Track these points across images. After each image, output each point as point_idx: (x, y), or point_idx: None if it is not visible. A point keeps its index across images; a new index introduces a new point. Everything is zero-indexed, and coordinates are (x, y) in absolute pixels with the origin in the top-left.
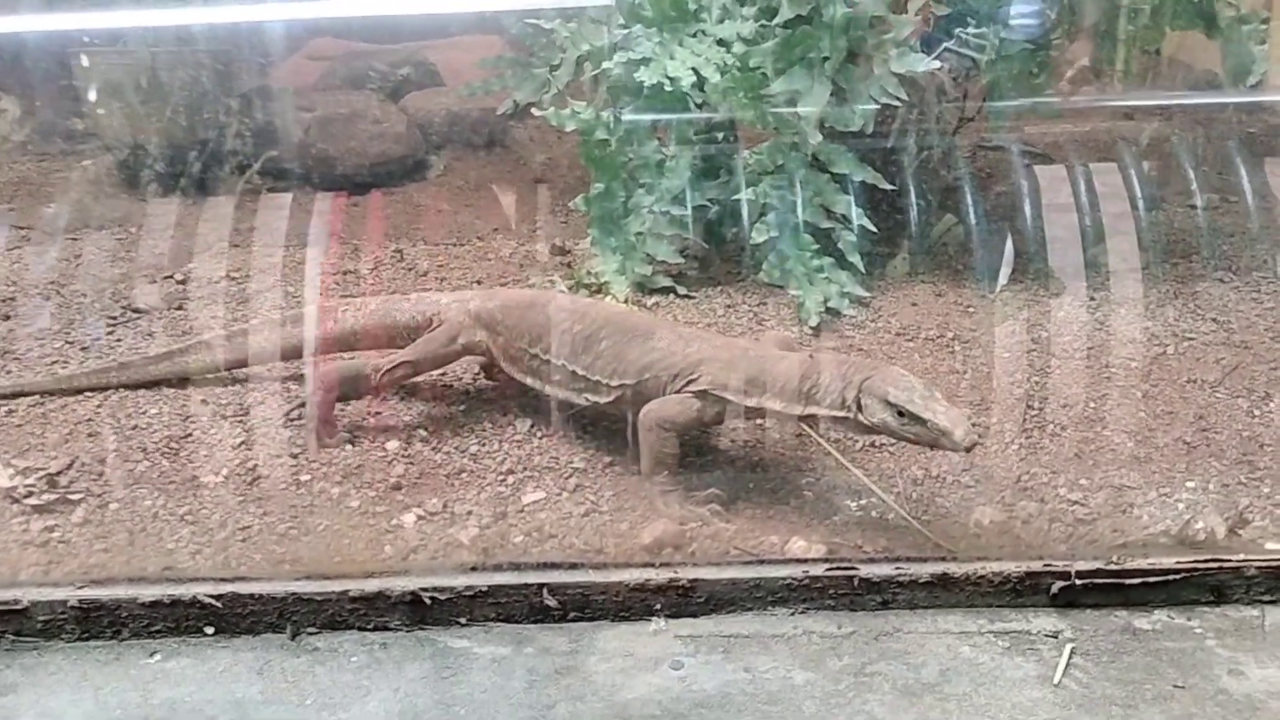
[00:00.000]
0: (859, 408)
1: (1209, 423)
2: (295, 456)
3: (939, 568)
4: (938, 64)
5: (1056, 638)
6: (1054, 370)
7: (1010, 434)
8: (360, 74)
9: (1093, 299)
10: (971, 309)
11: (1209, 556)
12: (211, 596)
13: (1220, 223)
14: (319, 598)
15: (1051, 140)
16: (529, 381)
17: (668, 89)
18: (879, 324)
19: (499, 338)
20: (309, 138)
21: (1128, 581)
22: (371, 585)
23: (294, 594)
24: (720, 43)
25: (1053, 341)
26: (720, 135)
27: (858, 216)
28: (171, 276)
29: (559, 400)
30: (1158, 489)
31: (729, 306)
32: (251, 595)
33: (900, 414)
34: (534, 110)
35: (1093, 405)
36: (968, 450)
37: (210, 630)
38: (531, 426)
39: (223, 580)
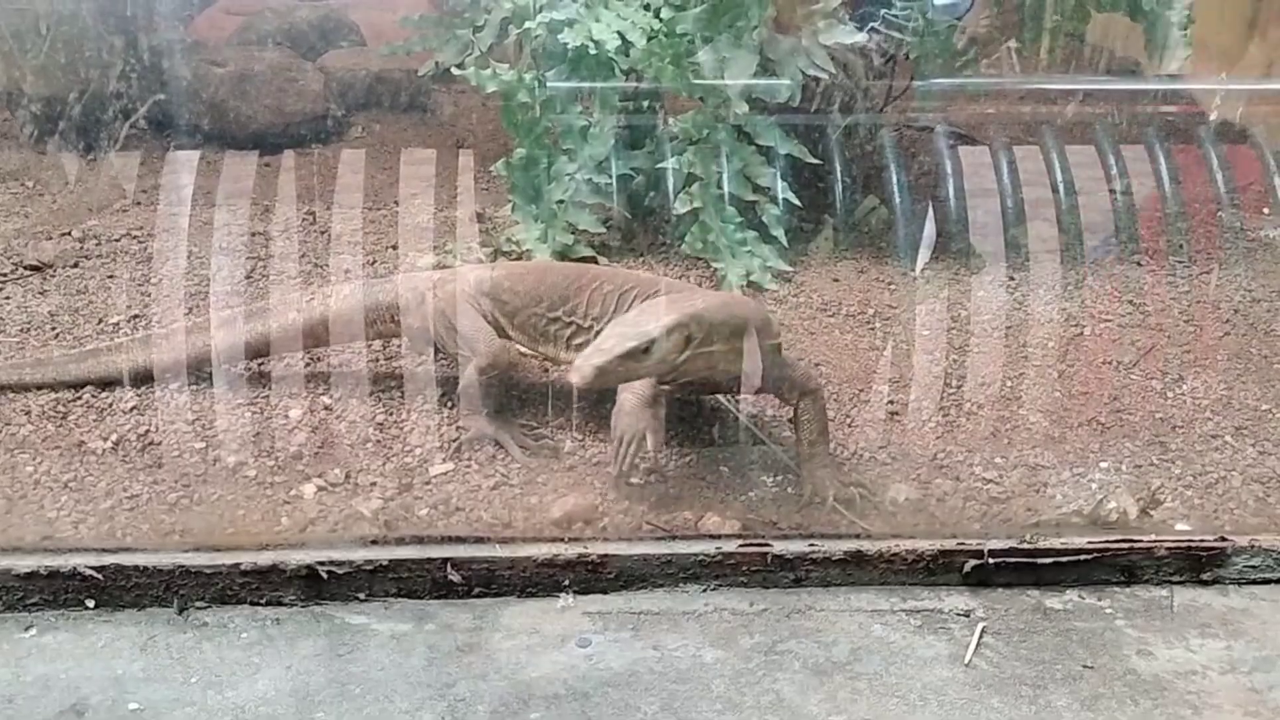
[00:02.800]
0: None
1: (1123, 404)
2: (190, 423)
3: (852, 545)
4: (865, 37)
5: (968, 616)
6: (973, 349)
7: (928, 411)
8: (279, 30)
9: (1012, 279)
10: (893, 286)
11: (1120, 537)
12: (92, 568)
13: (1138, 207)
14: (208, 570)
15: (976, 121)
16: (540, 349)
17: (592, 53)
18: (800, 299)
19: (506, 305)
20: (220, 94)
21: (1040, 561)
22: (265, 558)
23: (181, 566)
24: (647, 7)
25: (972, 320)
26: (645, 103)
27: (782, 190)
28: (69, 233)
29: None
30: (1071, 469)
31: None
32: (136, 567)
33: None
34: (454, 71)
35: (1010, 384)
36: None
37: (91, 604)
38: (442, 396)
39: (105, 551)
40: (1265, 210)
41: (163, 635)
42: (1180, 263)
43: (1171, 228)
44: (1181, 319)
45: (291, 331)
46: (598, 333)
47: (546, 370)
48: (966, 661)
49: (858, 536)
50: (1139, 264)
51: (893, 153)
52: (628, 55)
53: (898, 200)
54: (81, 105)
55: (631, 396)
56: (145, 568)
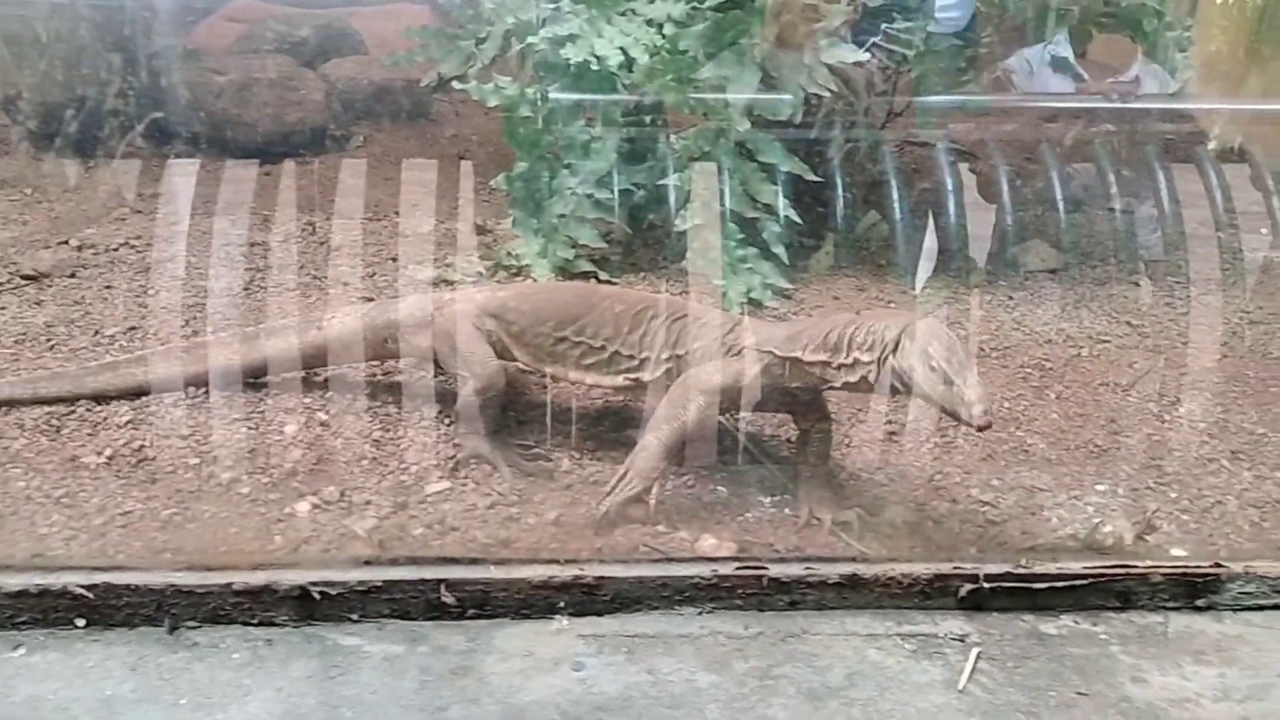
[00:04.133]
0: (895, 349)
1: (1120, 426)
2: (185, 438)
3: (848, 568)
4: (867, 56)
5: (963, 641)
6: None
7: (926, 432)
8: (280, 39)
9: (1011, 298)
10: (893, 304)
11: (1116, 562)
12: (83, 587)
13: (1137, 226)
14: (200, 590)
15: (976, 138)
16: (548, 368)
17: (594, 68)
18: (800, 316)
19: (512, 325)
20: (220, 102)
21: (1035, 586)
22: (257, 578)
23: (173, 585)
24: (650, 23)
25: (970, 339)
26: (648, 119)
27: (783, 207)
28: (66, 242)
29: (588, 384)
30: (1068, 491)
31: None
32: (127, 586)
33: (932, 368)
34: (455, 84)
35: (1007, 405)
36: (980, 429)
37: (81, 623)
38: (440, 413)
39: (96, 569)
40: (1263, 231)
41: (153, 655)
42: (1179, 283)
43: (1170, 248)
44: (1178, 340)
45: (306, 351)
46: (615, 354)
47: (546, 388)
48: (961, 687)
49: (854, 560)
50: (1137, 284)
51: (893, 170)
52: (630, 71)
53: (898, 217)
54: (80, 113)
55: (657, 442)
56: (136, 586)
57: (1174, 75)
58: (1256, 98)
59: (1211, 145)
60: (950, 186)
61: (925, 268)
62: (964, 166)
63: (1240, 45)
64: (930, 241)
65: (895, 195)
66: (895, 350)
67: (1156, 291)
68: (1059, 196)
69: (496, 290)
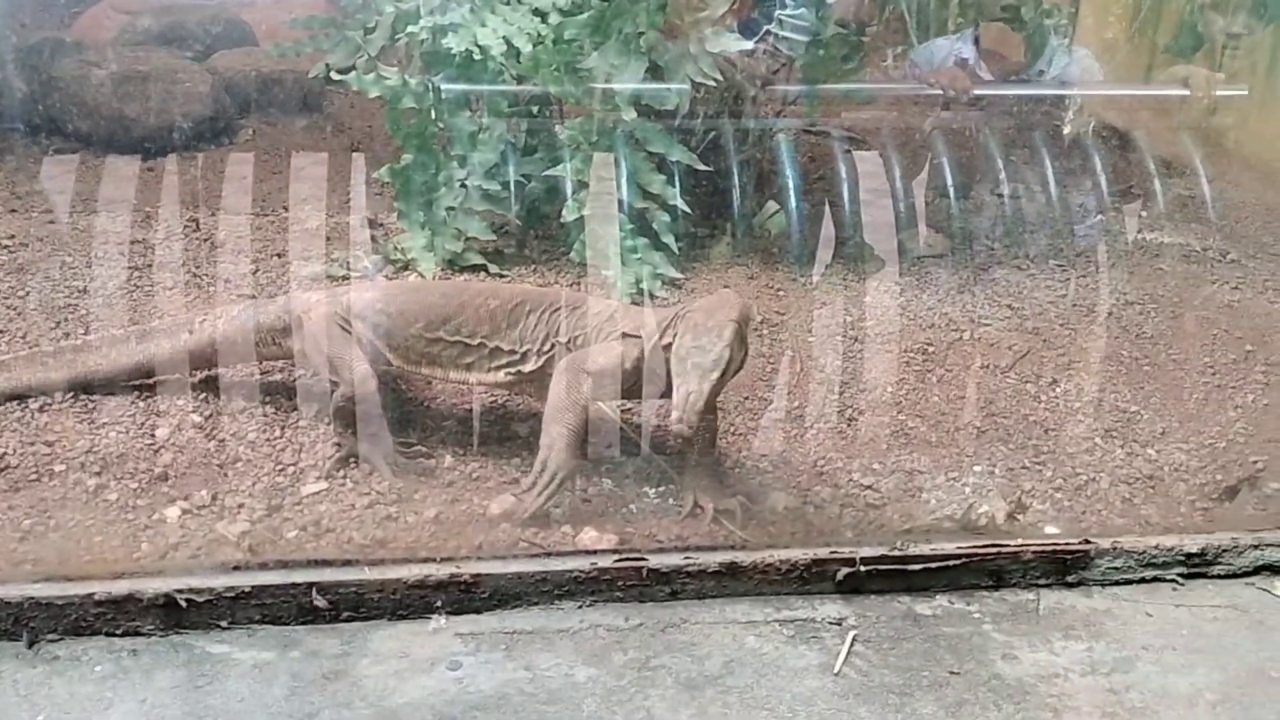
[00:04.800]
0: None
1: (998, 407)
2: (50, 444)
3: (727, 556)
4: (750, 44)
5: (840, 625)
6: (856, 355)
7: (810, 418)
8: (165, 29)
9: (899, 284)
10: (782, 292)
11: (988, 541)
12: None
13: (1023, 211)
14: (60, 602)
15: (865, 126)
16: (423, 369)
17: (478, 58)
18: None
19: (379, 328)
20: (101, 96)
21: (910, 567)
22: (120, 587)
23: (30, 598)
24: (535, 12)
25: (857, 326)
26: (537, 108)
27: (673, 197)
28: None
29: (469, 383)
30: (946, 473)
31: (542, 285)
32: None
33: (683, 356)
34: (334, 74)
35: (890, 390)
36: (675, 433)
37: None
38: (317, 411)
39: None
40: (1143, 214)
41: (10, 671)
42: (1058, 265)
43: (1053, 232)
44: (1057, 322)
45: (179, 354)
46: (494, 349)
47: (430, 384)
48: (836, 671)
49: (734, 548)
50: (1019, 268)
51: (788, 159)
52: (518, 61)
53: (791, 206)
54: None
55: (565, 431)
56: None
57: (1052, 60)
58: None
59: (1066, 130)
60: (843, 175)
61: (817, 256)
62: (859, 155)
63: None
64: (822, 230)
65: (789, 184)
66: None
67: (1037, 274)
68: (949, 184)
69: (366, 291)
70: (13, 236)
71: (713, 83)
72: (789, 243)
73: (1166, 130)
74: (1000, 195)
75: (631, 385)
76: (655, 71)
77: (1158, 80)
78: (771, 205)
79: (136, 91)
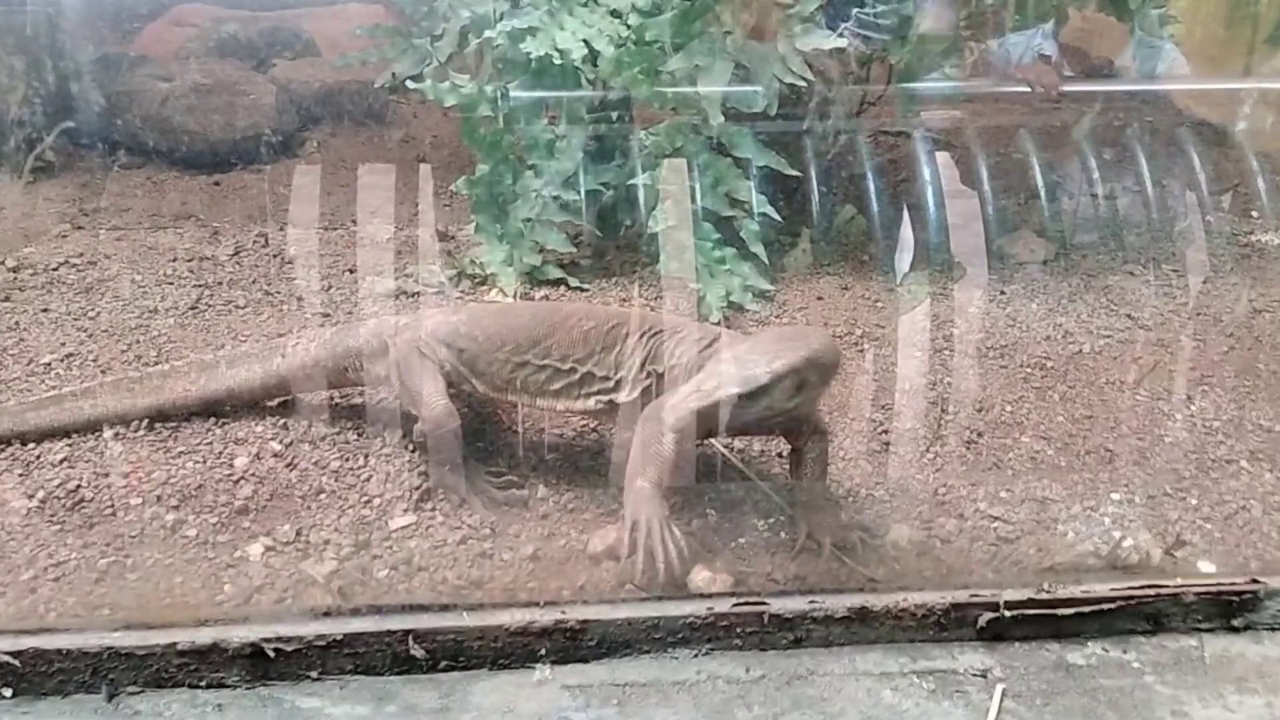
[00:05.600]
0: None
1: (1131, 428)
2: (126, 475)
3: (856, 600)
4: (844, 41)
5: (985, 677)
6: (967, 371)
7: (925, 441)
8: (227, 42)
9: (1002, 293)
10: (879, 303)
11: (1145, 583)
12: (9, 654)
13: (1125, 213)
14: (140, 652)
15: (954, 126)
16: (509, 396)
17: (557, 62)
18: (785, 320)
19: (464, 353)
20: (166, 110)
21: (1060, 612)
22: (204, 635)
23: (110, 648)
24: (614, 13)
25: (965, 339)
26: (615, 115)
27: (760, 204)
28: (2, 263)
29: (557, 410)
30: (1082, 502)
31: (625, 300)
32: (59, 650)
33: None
34: (409, 84)
35: (1009, 409)
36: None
37: (8, 693)
38: (403, 438)
39: (24, 633)
40: (1254, 214)
41: None
42: (1174, 271)
43: (1159, 234)
44: (1183, 332)
45: (271, 379)
46: (586, 375)
47: (517, 410)
48: None
49: (861, 590)
50: (1132, 274)
51: (871, 161)
52: (595, 65)
53: (878, 211)
54: (18, 125)
55: (647, 486)
56: (69, 650)
57: (1157, 54)
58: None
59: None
60: (930, 177)
61: (908, 263)
62: (944, 156)
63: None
64: (912, 236)
65: (873, 188)
66: None
67: (1153, 281)
68: (1041, 184)
69: (449, 315)
70: (81, 254)
71: (803, 83)
72: (878, 249)
73: (1269, 125)
74: (1095, 196)
75: (739, 420)
76: (740, 72)
77: (1259, 73)
78: (849, 209)
79: (201, 105)
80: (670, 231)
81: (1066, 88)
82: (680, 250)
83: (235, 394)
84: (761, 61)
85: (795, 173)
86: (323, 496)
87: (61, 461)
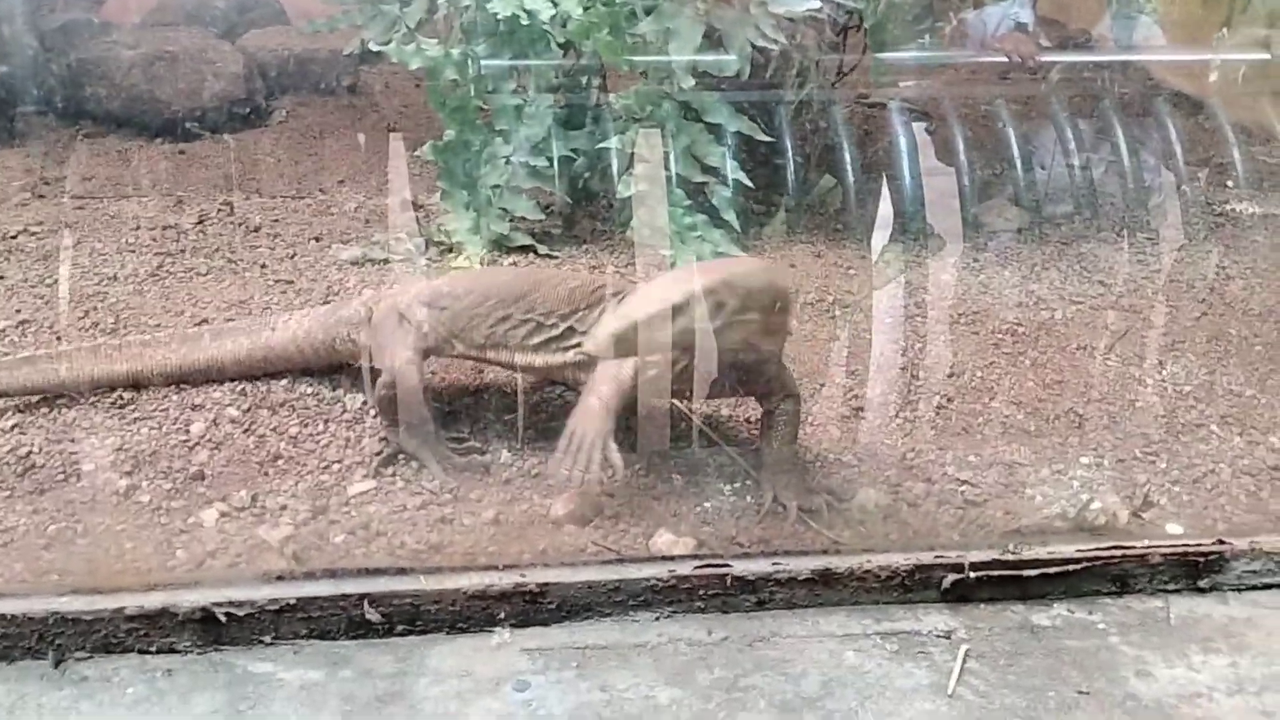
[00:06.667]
0: None
1: (1101, 393)
2: (77, 441)
3: (820, 562)
4: (818, 4)
5: (949, 638)
6: (938, 337)
7: (895, 407)
8: (195, 8)
9: (975, 260)
10: (852, 271)
11: (1112, 544)
12: None
13: (1101, 183)
14: (88, 617)
15: (930, 96)
16: (488, 353)
17: (525, 24)
18: None
19: (445, 310)
20: (131, 78)
21: (1025, 573)
22: (154, 600)
23: (57, 613)
24: None
25: (937, 305)
26: (585, 79)
27: (732, 170)
28: None
29: (535, 367)
30: (1050, 466)
31: (594, 267)
32: (3, 616)
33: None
34: (373, 47)
35: (979, 374)
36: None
37: None
38: (364, 404)
39: None
40: (1229, 184)
41: (35, 693)
42: (1148, 239)
43: (1134, 203)
44: (1155, 299)
45: (258, 352)
46: (568, 329)
47: (482, 374)
48: (950, 692)
49: (825, 552)
50: (1105, 241)
51: (846, 130)
52: (565, 26)
53: (852, 179)
54: None
55: (597, 401)
56: (14, 616)
57: (1135, 26)
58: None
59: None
60: (906, 146)
61: (882, 232)
62: (919, 126)
63: None
64: (887, 204)
65: (848, 156)
66: None
67: (1126, 249)
68: (1016, 154)
69: (434, 281)
70: (40, 223)
71: (774, 46)
72: (852, 218)
73: (1245, 96)
74: (1072, 166)
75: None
76: (711, 35)
77: (1234, 45)
78: (828, 179)
79: (167, 73)
80: (641, 196)
81: (1043, 58)
82: (651, 216)
83: (220, 367)
84: (734, 25)
85: (769, 139)
86: (280, 462)
87: (12, 428)
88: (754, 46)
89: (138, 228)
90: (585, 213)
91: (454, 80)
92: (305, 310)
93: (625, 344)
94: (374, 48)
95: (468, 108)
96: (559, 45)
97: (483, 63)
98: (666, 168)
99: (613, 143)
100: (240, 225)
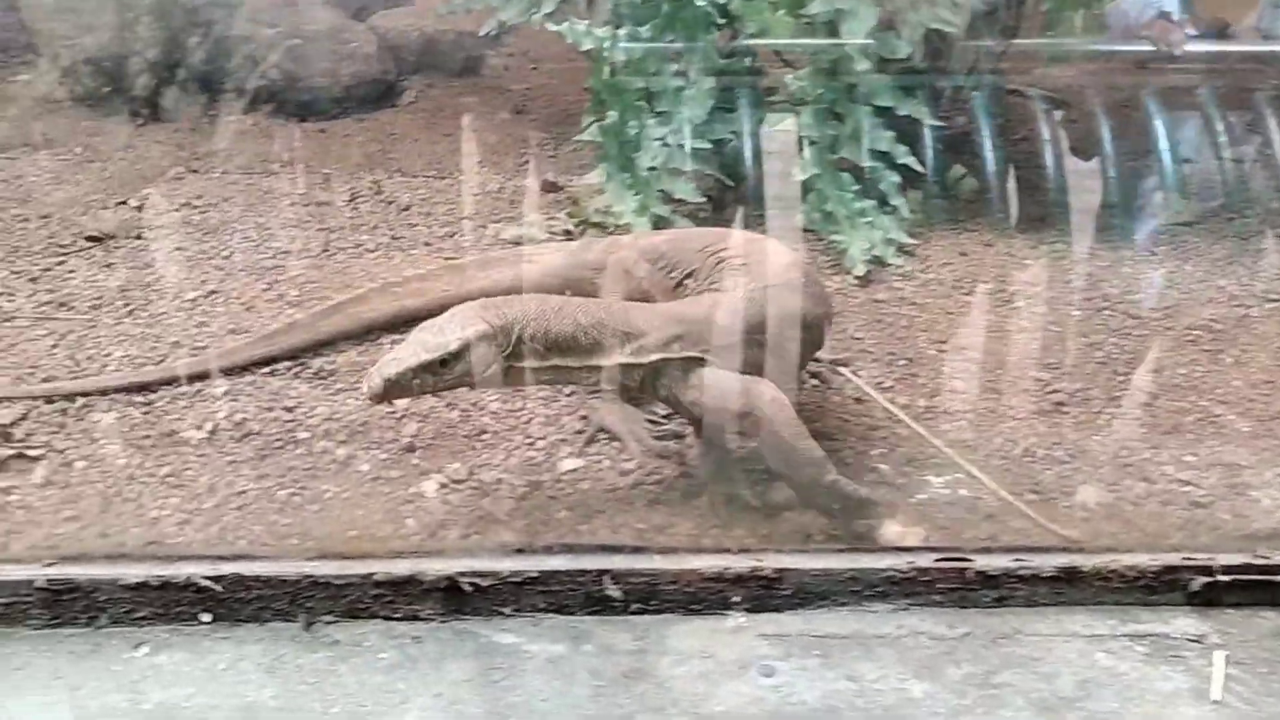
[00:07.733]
0: None
1: None
2: (290, 410)
3: (1065, 560)
4: None
5: (1201, 643)
6: (1130, 332)
7: (1098, 403)
8: None
9: (1156, 254)
10: (1027, 261)
11: None
12: (209, 578)
13: (1259, 177)
14: (338, 581)
15: (1086, 85)
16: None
17: (688, 6)
18: (929, 275)
19: (664, 256)
20: (270, 56)
21: (1277, 578)
22: (401, 567)
23: (309, 576)
24: None
25: (1125, 299)
26: (749, 60)
27: (902, 155)
28: (125, 202)
29: None
30: (1274, 468)
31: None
32: (258, 578)
33: None
34: (546, 25)
35: (1181, 371)
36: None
37: (207, 618)
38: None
39: (222, 559)
40: None
41: (291, 655)
42: None
43: None
44: None
45: (509, 285)
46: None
47: None
48: (1217, 698)
49: (1067, 550)
50: None
51: (1002, 117)
52: (728, 8)
53: (1015, 169)
54: (128, 70)
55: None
56: (268, 578)
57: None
58: None
59: None
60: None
61: (1053, 221)
62: (1101, 114)
63: None
64: (1055, 194)
65: (1008, 145)
66: None
67: None
68: (1179, 148)
69: (648, 236)
70: (199, 197)
71: (953, 29)
72: (1020, 207)
73: None
74: (1231, 160)
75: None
76: (882, 16)
77: None
78: (995, 166)
79: (306, 52)
80: (810, 181)
81: (1190, 47)
82: (820, 201)
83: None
84: (906, 5)
85: (939, 124)
86: (486, 436)
87: (224, 395)
88: (928, 28)
89: (292, 204)
90: (744, 196)
91: (618, 61)
92: (556, 246)
93: (397, 390)
94: (548, 26)
95: (629, 89)
96: (719, 26)
97: (643, 44)
98: (833, 152)
99: (788, 124)
100: (391, 204)
